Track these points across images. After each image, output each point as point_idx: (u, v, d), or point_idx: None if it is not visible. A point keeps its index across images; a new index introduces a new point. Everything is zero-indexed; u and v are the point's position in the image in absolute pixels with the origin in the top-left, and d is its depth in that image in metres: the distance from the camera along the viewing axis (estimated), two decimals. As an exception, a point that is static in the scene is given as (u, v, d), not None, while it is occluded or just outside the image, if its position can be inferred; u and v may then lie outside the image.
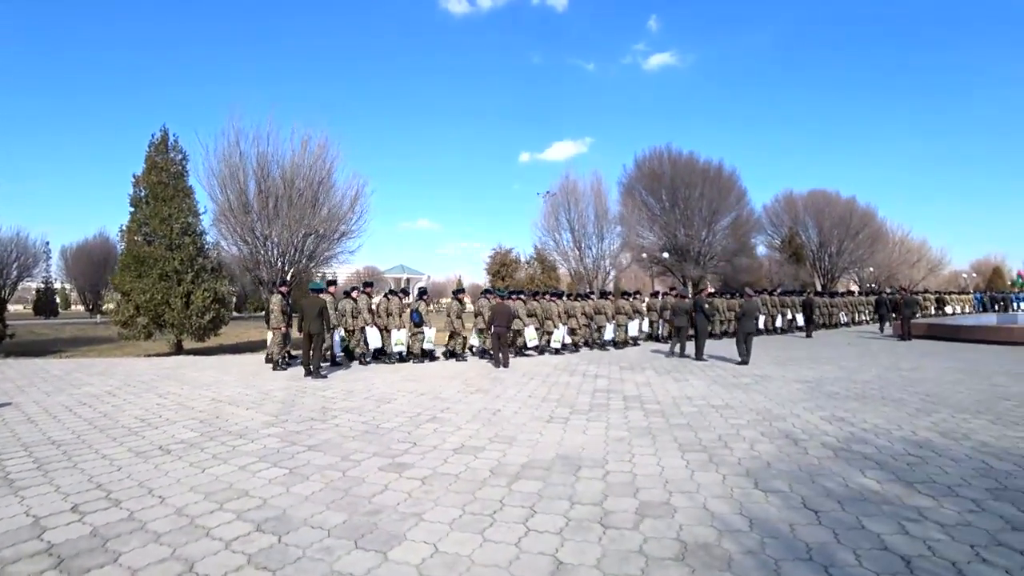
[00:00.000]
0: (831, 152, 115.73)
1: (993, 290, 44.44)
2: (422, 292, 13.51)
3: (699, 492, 4.10)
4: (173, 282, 14.13)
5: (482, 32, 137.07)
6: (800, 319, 20.06)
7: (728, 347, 14.28)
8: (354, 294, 12.25)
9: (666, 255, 25.45)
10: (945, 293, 37.08)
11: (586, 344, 14.98)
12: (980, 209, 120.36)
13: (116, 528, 3.41)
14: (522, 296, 14.15)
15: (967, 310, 34.76)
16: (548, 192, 24.95)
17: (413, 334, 12.11)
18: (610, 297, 17.05)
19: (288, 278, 15.49)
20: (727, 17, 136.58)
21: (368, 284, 13.48)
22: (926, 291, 36.04)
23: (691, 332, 12.36)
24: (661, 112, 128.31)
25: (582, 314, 15.01)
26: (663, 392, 8.25)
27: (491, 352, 11.54)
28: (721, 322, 17.61)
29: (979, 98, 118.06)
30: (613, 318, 15.49)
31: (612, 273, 23.65)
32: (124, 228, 14.46)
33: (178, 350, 15.09)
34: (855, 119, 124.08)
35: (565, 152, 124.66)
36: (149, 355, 14.45)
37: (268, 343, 15.41)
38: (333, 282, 12.23)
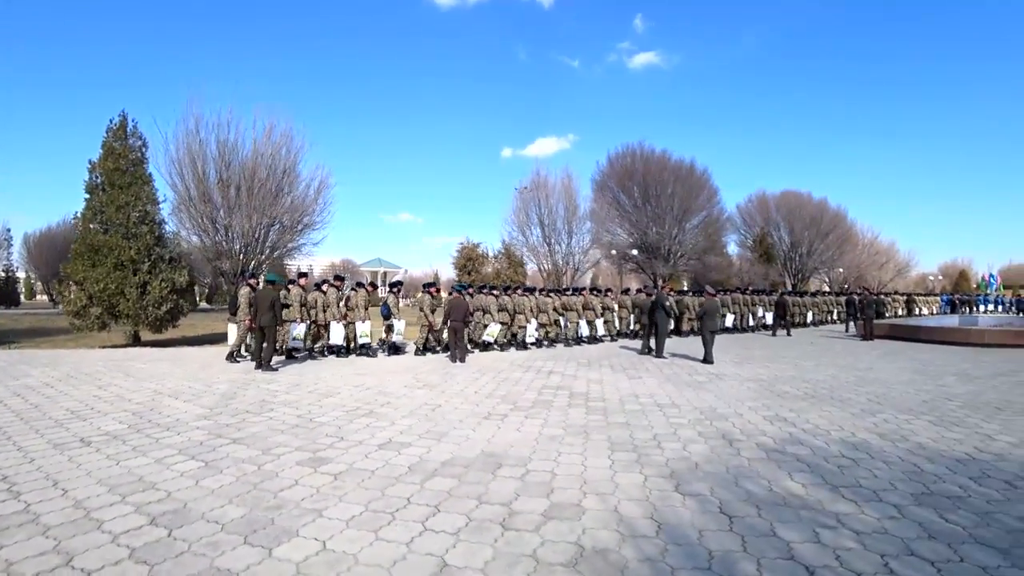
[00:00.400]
0: (807, 155, 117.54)
1: (960, 293, 45.21)
2: (392, 285, 13.21)
3: (615, 494, 3.86)
4: (128, 272, 13.55)
5: (468, 26, 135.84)
6: (769, 318, 20.07)
7: (696, 345, 14.14)
8: (324, 287, 11.94)
9: (635, 252, 25.33)
10: (915, 295, 37.66)
11: (556, 340, 14.78)
12: (949, 214, 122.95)
13: (6, 520, 3.29)
14: (494, 291, 13.95)
15: (934, 311, 35.35)
16: (525, 187, 24.77)
17: (387, 327, 11.94)
18: (583, 293, 16.84)
19: (252, 269, 15.07)
20: (712, 19, 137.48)
21: (339, 277, 13.07)
22: (895, 292, 36.47)
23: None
24: (644, 111, 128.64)
25: (553, 310, 14.89)
26: (612, 390, 8.01)
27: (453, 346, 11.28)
28: (689, 319, 17.47)
29: (951, 107, 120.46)
30: (583, 314, 15.39)
31: (581, 269, 23.49)
32: (79, 215, 13.88)
33: (135, 341, 14.54)
34: (832, 122, 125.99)
35: (548, 148, 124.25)
36: (105, 347, 13.90)
37: (232, 335, 15.17)
38: (304, 274, 11.96)
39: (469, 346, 12.96)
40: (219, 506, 3.52)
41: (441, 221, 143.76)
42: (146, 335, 15.02)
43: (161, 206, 14.47)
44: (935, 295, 42.80)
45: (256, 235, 14.65)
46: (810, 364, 10.86)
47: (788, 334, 18.60)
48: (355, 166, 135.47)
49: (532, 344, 13.79)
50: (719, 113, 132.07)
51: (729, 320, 19.50)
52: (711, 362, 10.86)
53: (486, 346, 13.06)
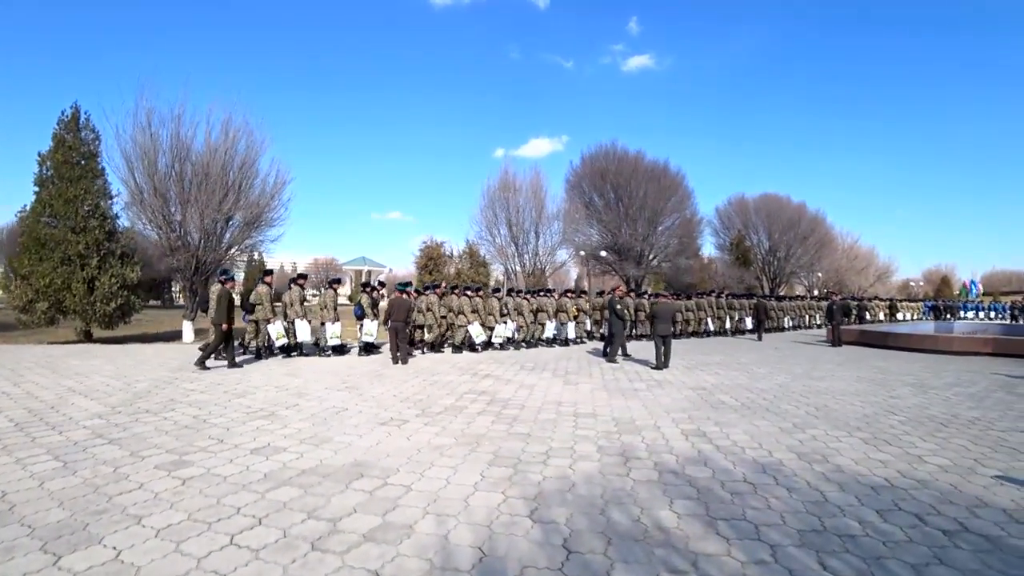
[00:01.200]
0: (791, 158, 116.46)
1: (942, 298, 44.50)
2: (365, 285, 12.73)
3: (459, 516, 3.32)
4: (76, 266, 12.92)
5: (462, 25, 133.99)
6: (749, 322, 19.44)
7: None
8: (291, 286, 11.68)
9: (604, 253, 24.55)
10: (897, 300, 37.00)
11: (525, 342, 14.24)
12: (933, 219, 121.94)
13: None
14: (467, 292, 13.50)
15: (916, 317, 34.71)
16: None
17: (377, 327, 11.68)
18: (553, 294, 16.24)
19: (212, 266, 14.46)
20: (706, 23, 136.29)
21: (301, 276, 12.50)
22: (877, 298, 35.68)
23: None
24: (636, 113, 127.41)
25: (529, 311, 14.37)
26: (539, 396, 7.39)
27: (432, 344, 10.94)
28: (632, 323, 16.71)
29: (937, 113, 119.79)
30: (555, 316, 14.86)
31: (548, 271, 22.75)
32: (26, 208, 13.27)
33: (87, 338, 13.91)
34: (816, 126, 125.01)
35: (542, 149, 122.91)
36: (55, 343, 13.28)
37: (187, 333, 14.57)
38: (269, 271, 11.49)
39: (450, 348, 12.61)
40: (45, 509, 3.34)
41: (432, 221, 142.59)
42: (99, 332, 14.40)
43: (115, 200, 13.91)
44: (917, 301, 42.12)
45: (211, 231, 14.01)
46: (764, 371, 10.21)
47: (759, 338, 17.93)
48: (346, 164, 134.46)
49: (500, 345, 13.44)
50: (709, 117, 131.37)
51: (711, 324, 18.94)
52: (661, 368, 10.24)
53: (472, 347, 12.77)
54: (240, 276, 11.92)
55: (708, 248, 40.41)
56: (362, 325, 11.73)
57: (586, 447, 4.94)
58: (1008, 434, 5.62)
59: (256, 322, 10.88)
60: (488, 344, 13.32)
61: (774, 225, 35.94)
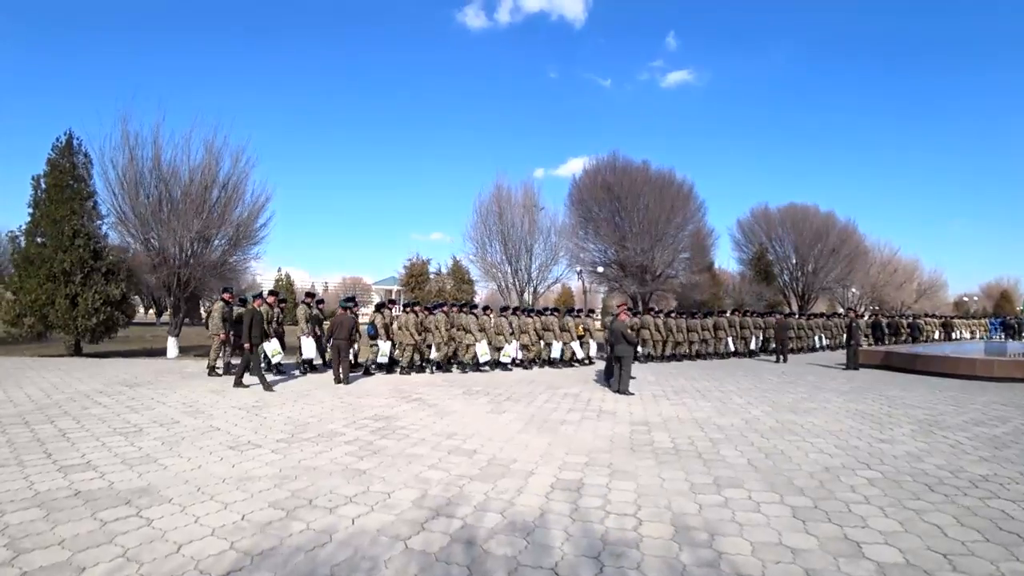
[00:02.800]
0: (834, 169, 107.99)
1: (1013, 315, 39.00)
2: (379, 306, 12.06)
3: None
4: (60, 283, 12.84)
5: (499, 47, 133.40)
6: (754, 342, 17.12)
7: (668, 371, 11.88)
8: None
9: (600, 269, 22.56)
10: (953, 318, 32.66)
11: (533, 361, 13.24)
12: (992, 231, 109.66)
13: None
14: (475, 311, 12.69)
15: (980, 336, 30.12)
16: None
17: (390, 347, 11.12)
18: (556, 314, 14.92)
19: (190, 283, 14.11)
20: (744, 35, 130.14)
21: (272, 293, 11.75)
22: (929, 315, 31.45)
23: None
24: (675, 128, 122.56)
25: (534, 331, 13.31)
26: (442, 425, 6.29)
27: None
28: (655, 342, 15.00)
29: (995, 124, 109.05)
30: (560, 336, 13.63)
31: (542, 288, 21.07)
32: (22, 228, 13.39)
33: (77, 351, 13.78)
34: (868, 139, 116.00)
35: (580, 168, 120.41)
36: (42, 356, 13.24)
37: (172, 349, 14.22)
38: (273, 292, 11.29)
39: (456, 368, 11.97)
40: None
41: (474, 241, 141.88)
42: (90, 347, 14.28)
43: (105, 220, 13.84)
44: (979, 318, 37.09)
45: (192, 250, 13.65)
46: (742, 401, 8.41)
47: (777, 360, 15.62)
48: (387, 186, 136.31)
49: (511, 365, 12.63)
50: (749, 130, 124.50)
51: (731, 344, 16.88)
52: (621, 392, 8.69)
53: (477, 366, 11.96)
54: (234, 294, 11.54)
55: (731, 263, 37.29)
56: (375, 345, 11.04)
57: (401, 496, 3.70)
58: (1021, 507, 3.82)
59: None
60: (496, 363, 12.42)
61: (800, 237, 32.42)
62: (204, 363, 11.06)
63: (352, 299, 11.28)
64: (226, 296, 10.62)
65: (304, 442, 5.34)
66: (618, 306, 14.22)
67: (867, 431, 6.27)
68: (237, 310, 10.13)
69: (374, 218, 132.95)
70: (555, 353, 13.56)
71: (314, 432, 5.77)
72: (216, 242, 14.33)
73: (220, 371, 10.16)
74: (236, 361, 9.90)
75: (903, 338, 23.32)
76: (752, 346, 17.45)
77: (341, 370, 9.37)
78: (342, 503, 3.66)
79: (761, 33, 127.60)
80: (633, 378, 10.01)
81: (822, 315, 23.84)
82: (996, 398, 8.86)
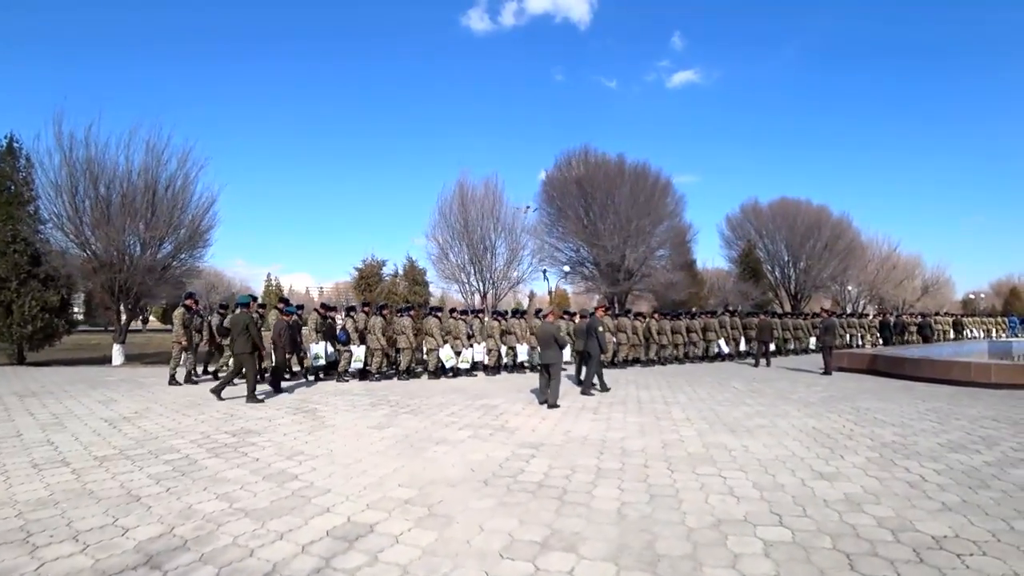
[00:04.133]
0: (843, 167, 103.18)
1: (1010, 312, 36.07)
2: (349, 310, 11.20)
3: None
4: (-7, 291, 12.02)
5: (503, 50, 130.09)
6: (723, 344, 15.37)
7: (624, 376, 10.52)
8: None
9: (567, 268, 20.83)
10: (962, 316, 30.19)
11: (497, 367, 12.15)
12: (1006, 227, 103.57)
13: None
14: (438, 314, 11.64)
15: (996, 335, 27.44)
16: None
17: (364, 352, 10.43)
18: (524, 317, 13.67)
19: (138, 288, 13.17)
20: (751, 33, 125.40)
21: (253, 299, 10.70)
22: (937, 313, 28.88)
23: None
24: (684, 129, 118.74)
25: (500, 335, 12.15)
26: (300, 444, 5.16)
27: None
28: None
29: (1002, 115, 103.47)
30: (526, 340, 12.36)
31: (504, 290, 19.54)
32: (-40, 235, 12.63)
33: (20, 360, 12.94)
34: (875, 137, 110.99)
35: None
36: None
37: (116, 357, 13.35)
38: (190, 295, 10.42)
39: (427, 373, 11.12)
40: None
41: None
42: (35, 355, 13.46)
43: (46, 225, 12.99)
44: (994, 316, 34.27)
45: (132, 254, 12.73)
46: (679, 416, 6.96)
47: (757, 364, 13.99)
48: (391, 189, 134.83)
49: (471, 371, 11.65)
50: (756, 129, 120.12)
51: (723, 347, 15.34)
52: (587, 393, 8.51)
53: (443, 372, 11.12)
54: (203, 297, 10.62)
55: (718, 261, 35.02)
56: (348, 351, 10.31)
57: (137, 534, 2.76)
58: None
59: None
60: (457, 370, 11.35)
61: (792, 232, 29.76)
62: (143, 369, 10.24)
63: (253, 298, 10.03)
64: (189, 302, 10.02)
65: (123, 460, 4.63)
66: (597, 306, 13.02)
67: (809, 460, 4.82)
68: (229, 317, 9.46)
69: (380, 222, 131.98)
70: (521, 357, 12.37)
71: (148, 448, 5.02)
72: (164, 246, 13.39)
73: (182, 381, 9.45)
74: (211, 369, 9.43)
75: (913, 338, 21.24)
76: (741, 348, 15.83)
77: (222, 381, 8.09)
78: (64, 539, 2.66)
79: (768, 32, 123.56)
80: (593, 386, 8.94)
81: (815, 315, 21.86)
82: (988, 411, 7.23)
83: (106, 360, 13.51)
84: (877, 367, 11.26)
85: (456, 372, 11.31)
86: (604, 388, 9.09)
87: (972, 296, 52.84)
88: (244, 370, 7.89)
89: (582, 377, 9.25)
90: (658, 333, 14.61)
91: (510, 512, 3.47)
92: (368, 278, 17.39)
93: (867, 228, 37.38)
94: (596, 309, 11.70)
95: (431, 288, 19.94)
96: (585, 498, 3.78)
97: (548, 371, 7.58)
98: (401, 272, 18.51)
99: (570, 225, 21.55)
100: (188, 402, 7.63)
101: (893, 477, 4.30)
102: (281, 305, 10.07)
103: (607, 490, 3.96)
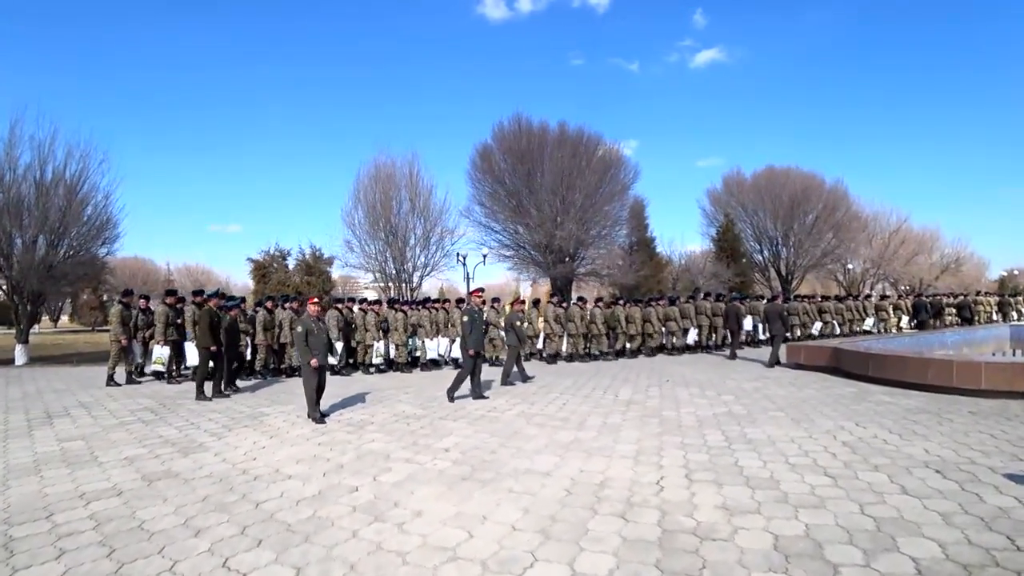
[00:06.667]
0: (872, 145, 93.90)
1: None
2: (336, 301, 10.71)
3: None
4: None
5: (521, 36, 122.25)
6: (693, 334, 12.90)
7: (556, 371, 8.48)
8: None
9: (485, 251, 17.91)
10: (1007, 296, 24.49)
11: (414, 363, 10.79)
12: None
13: None
14: (373, 305, 10.76)
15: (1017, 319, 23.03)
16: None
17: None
18: (438, 305, 11.89)
19: (33, 288, 11.90)
20: (774, 6, 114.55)
21: (170, 292, 9.68)
22: (978, 293, 23.46)
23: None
24: (709, 109, 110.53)
25: (404, 327, 10.46)
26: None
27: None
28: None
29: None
30: (438, 333, 10.68)
31: (424, 275, 17.43)
32: None
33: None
34: (888, 104, 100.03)
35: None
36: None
37: (19, 356, 12.28)
38: (172, 292, 9.64)
39: (372, 370, 10.25)
40: None
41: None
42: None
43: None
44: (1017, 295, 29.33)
45: (16, 253, 11.41)
46: (532, 434, 4.87)
47: (732, 356, 11.46)
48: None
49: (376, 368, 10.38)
50: (782, 107, 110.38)
51: (692, 336, 12.90)
52: (506, 384, 8.10)
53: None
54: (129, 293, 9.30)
55: (699, 240, 30.94)
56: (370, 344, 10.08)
57: None
58: None
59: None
60: (374, 366, 10.33)
61: (778, 205, 25.12)
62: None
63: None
64: (127, 299, 9.50)
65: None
66: (513, 300, 11.88)
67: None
68: (196, 309, 8.37)
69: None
70: (431, 354, 10.77)
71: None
72: (61, 243, 12.04)
73: (120, 381, 8.72)
74: (153, 368, 8.91)
75: (953, 319, 17.91)
76: (695, 336, 13.32)
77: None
78: None
79: (793, 3, 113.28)
80: (511, 383, 8.19)
81: (809, 297, 18.66)
82: (967, 429, 4.77)
83: (9, 361, 12.36)
84: (841, 364, 8.73)
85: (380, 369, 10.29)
86: (525, 378, 8.60)
87: (1005, 274, 45.45)
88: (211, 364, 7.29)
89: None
90: (628, 322, 12.33)
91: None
92: (265, 268, 15.69)
93: (872, 201, 32.38)
94: (513, 302, 10.52)
95: (336, 277, 18.06)
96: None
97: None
98: (295, 262, 16.70)
99: (500, 203, 18.93)
100: (147, 411, 5.98)
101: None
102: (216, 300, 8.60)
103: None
